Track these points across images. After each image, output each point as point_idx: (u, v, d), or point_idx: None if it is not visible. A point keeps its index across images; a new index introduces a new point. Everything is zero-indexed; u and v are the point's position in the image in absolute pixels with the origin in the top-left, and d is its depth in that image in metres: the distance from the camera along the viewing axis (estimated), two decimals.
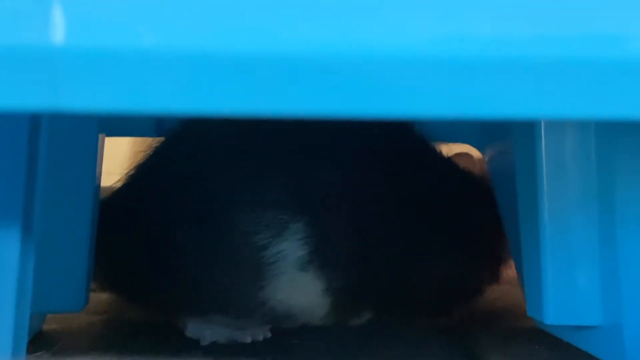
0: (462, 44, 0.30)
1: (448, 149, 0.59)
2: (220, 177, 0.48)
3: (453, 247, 0.53)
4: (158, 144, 0.51)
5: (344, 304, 0.50)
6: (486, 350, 0.47)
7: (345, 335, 0.50)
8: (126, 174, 0.51)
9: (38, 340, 0.47)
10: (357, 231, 0.49)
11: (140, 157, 0.51)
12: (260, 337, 0.48)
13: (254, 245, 0.46)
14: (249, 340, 0.48)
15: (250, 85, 0.29)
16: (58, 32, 0.27)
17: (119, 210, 0.50)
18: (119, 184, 0.51)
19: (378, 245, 0.50)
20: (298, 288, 0.48)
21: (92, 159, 0.47)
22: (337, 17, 0.29)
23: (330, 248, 0.48)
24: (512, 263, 0.55)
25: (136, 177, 0.51)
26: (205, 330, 0.48)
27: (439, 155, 0.56)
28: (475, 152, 0.60)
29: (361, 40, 0.29)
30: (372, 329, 0.52)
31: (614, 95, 0.31)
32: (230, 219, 0.47)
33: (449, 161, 0.56)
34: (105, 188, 0.50)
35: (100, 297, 0.54)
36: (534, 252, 0.47)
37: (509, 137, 0.51)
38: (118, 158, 0.57)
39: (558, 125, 0.45)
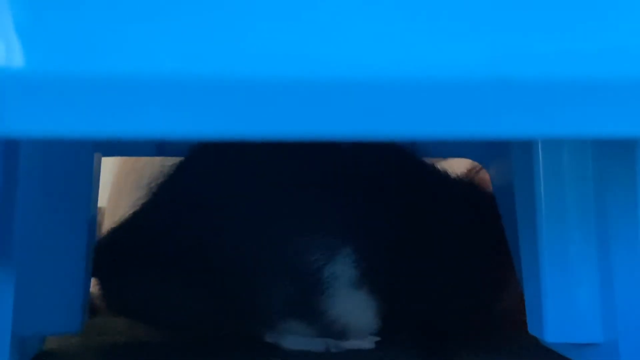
0: (456, 64, 0.30)
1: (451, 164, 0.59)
2: (261, 200, 0.50)
3: (471, 271, 0.55)
4: (179, 164, 0.52)
5: (390, 325, 0.53)
6: None
7: None
8: (150, 192, 0.52)
9: None
10: (396, 257, 0.52)
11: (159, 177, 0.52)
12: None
13: (309, 266, 0.50)
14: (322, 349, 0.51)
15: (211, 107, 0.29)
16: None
17: (149, 231, 0.50)
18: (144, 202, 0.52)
19: (414, 272, 0.53)
20: (353, 305, 0.51)
21: (88, 179, 0.47)
22: (343, 40, 0.30)
23: (377, 272, 0.51)
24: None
25: (164, 196, 0.52)
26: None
27: (447, 178, 0.58)
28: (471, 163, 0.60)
29: (364, 63, 0.30)
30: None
31: (605, 114, 0.31)
32: (283, 240, 0.50)
33: (456, 183, 0.58)
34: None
35: (98, 320, 0.54)
36: (533, 270, 0.46)
37: (510, 153, 0.51)
38: None
39: (555, 142, 0.45)
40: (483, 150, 0.59)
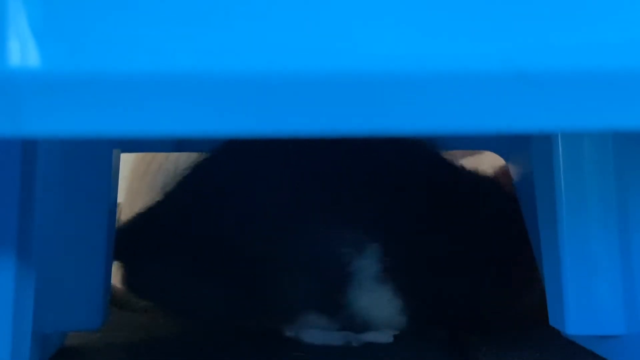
0: (471, 57, 0.30)
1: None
2: (284, 194, 0.50)
3: (494, 268, 0.55)
4: (203, 160, 0.52)
5: (418, 320, 0.54)
6: None
7: None
8: (176, 182, 0.53)
9: (59, 357, 0.47)
10: (420, 253, 0.52)
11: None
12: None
13: (334, 260, 0.50)
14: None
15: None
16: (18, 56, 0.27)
17: (174, 219, 0.51)
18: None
19: (438, 268, 0.53)
20: (377, 300, 0.51)
21: (107, 175, 0.47)
22: (354, 35, 0.29)
23: (403, 268, 0.52)
24: None
25: (190, 185, 0.52)
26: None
27: (472, 175, 0.58)
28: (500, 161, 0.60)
29: (364, 57, 0.29)
30: None
31: (625, 106, 0.30)
32: (307, 233, 0.50)
33: (481, 180, 0.58)
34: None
35: (119, 316, 0.54)
36: (554, 262, 0.46)
37: (530, 146, 0.51)
38: None
39: (575, 135, 0.45)
40: (504, 142, 0.58)
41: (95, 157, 0.46)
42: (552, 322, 0.48)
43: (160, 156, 0.63)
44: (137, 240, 0.51)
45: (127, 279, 0.52)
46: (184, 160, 0.56)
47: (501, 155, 0.60)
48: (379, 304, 0.52)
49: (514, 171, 0.57)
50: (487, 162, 0.61)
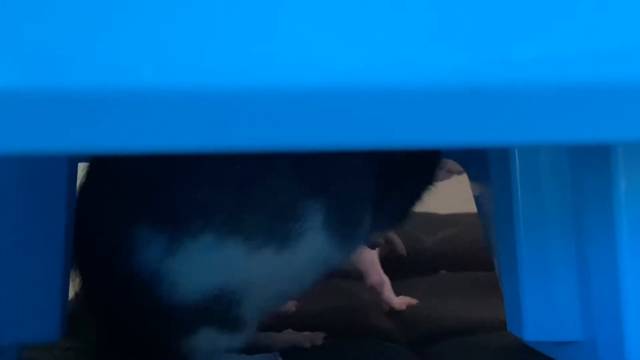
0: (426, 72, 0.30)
1: None
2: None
3: None
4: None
5: None
6: None
7: None
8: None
9: None
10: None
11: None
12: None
13: None
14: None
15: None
16: None
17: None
18: None
19: None
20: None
21: (63, 184, 0.46)
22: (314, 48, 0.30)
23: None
24: None
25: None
26: None
27: None
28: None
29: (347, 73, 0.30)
30: None
31: (579, 120, 0.31)
32: None
33: None
34: None
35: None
36: (511, 269, 0.47)
37: (487, 155, 0.51)
38: None
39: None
40: (462, 152, 0.59)
41: (52, 167, 0.46)
42: (510, 328, 0.48)
43: None
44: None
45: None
46: None
47: (460, 163, 0.60)
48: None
49: (472, 179, 0.58)
50: None
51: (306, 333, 0.54)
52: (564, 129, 0.31)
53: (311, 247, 0.47)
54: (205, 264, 0.46)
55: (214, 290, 0.46)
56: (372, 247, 0.62)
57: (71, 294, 0.50)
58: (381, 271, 0.63)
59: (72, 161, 0.48)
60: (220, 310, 0.47)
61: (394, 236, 0.66)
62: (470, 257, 0.74)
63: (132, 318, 0.47)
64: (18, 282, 0.45)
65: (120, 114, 0.28)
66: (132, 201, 0.46)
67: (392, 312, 0.63)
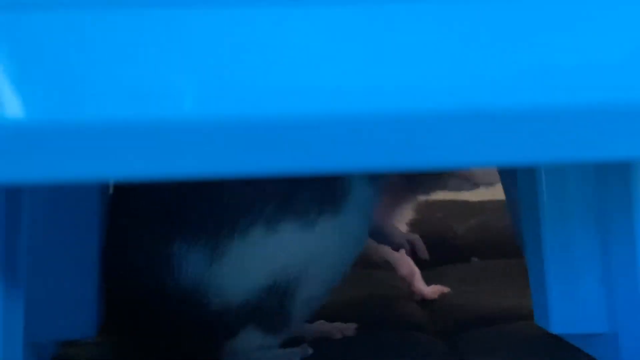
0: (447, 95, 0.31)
1: None
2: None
3: None
4: None
5: None
6: None
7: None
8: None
9: None
10: None
11: None
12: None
13: None
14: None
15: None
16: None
17: None
18: None
19: None
20: None
21: (98, 191, 0.47)
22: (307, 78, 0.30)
23: None
24: None
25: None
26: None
27: None
28: None
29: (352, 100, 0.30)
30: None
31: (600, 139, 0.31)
32: None
33: None
34: None
35: None
36: (538, 262, 0.47)
37: None
38: None
39: None
40: None
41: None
42: (537, 320, 0.49)
43: None
44: None
45: None
46: None
47: None
48: None
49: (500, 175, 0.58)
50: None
51: (337, 324, 0.55)
52: (586, 147, 0.31)
53: (359, 201, 0.48)
54: (256, 260, 0.46)
55: (266, 286, 0.47)
56: (396, 249, 0.63)
57: None
58: (411, 262, 0.63)
59: None
60: (269, 307, 0.47)
61: (417, 239, 0.66)
62: (502, 245, 0.74)
63: (173, 330, 0.47)
64: (55, 282, 0.46)
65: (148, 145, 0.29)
66: (165, 220, 0.47)
67: (424, 302, 0.63)
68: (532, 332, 0.52)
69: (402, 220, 0.66)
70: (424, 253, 0.65)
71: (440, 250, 0.73)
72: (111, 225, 0.48)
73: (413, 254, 0.65)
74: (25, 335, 0.42)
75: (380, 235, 0.62)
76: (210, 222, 0.46)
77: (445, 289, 0.64)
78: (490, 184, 0.61)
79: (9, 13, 0.29)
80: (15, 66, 0.29)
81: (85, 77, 0.29)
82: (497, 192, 0.64)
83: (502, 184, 0.58)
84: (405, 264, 0.63)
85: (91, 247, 0.47)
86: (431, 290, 0.64)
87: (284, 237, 0.46)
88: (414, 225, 0.68)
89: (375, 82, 0.30)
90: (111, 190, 0.50)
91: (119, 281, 0.48)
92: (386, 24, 0.31)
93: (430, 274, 0.67)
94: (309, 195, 0.46)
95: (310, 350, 0.50)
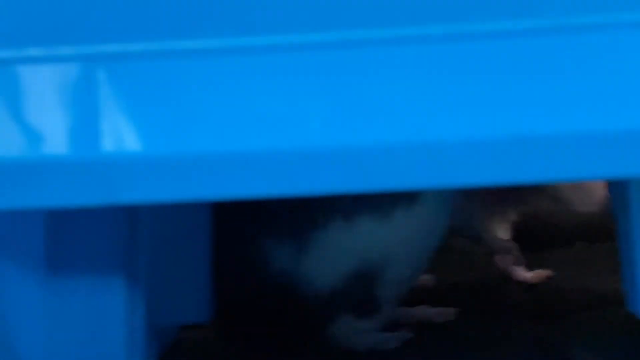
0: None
1: None
2: None
3: None
4: None
5: None
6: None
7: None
8: None
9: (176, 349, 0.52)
10: None
11: None
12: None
13: None
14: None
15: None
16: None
17: None
18: None
19: None
20: None
21: None
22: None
23: None
24: None
25: None
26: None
27: None
28: None
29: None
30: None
31: None
32: None
33: None
34: None
35: None
36: (630, 247, 0.48)
37: None
38: None
39: None
40: None
41: None
42: (630, 306, 0.50)
43: None
44: None
45: None
46: None
47: None
48: None
49: None
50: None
51: (438, 309, 0.57)
52: None
53: (435, 193, 0.50)
54: (338, 250, 0.50)
55: (350, 274, 0.50)
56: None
57: None
58: (513, 247, 0.64)
59: None
60: (357, 293, 0.50)
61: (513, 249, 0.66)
62: (607, 229, 0.73)
63: (276, 319, 0.51)
64: (174, 275, 0.50)
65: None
66: (258, 220, 0.50)
67: (527, 286, 0.63)
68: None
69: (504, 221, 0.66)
70: (519, 261, 0.66)
71: (545, 234, 0.73)
72: (217, 225, 0.52)
73: (517, 237, 0.65)
74: (149, 320, 0.46)
75: (479, 240, 0.64)
76: (295, 220, 0.49)
77: (548, 273, 0.65)
78: None
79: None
80: (142, 106, 0.34)
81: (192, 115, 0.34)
82: None
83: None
84: (507, 250, 0.64)
85: (203, 245, 0.51)
86: (534, 275, 0.65)
87: (361, 228, 0.49)
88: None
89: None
90: None
91: (225, 275, 0.52)
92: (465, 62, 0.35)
93: (534, 257, 0.67)
94: None
95: (410, 334, 0.52)
